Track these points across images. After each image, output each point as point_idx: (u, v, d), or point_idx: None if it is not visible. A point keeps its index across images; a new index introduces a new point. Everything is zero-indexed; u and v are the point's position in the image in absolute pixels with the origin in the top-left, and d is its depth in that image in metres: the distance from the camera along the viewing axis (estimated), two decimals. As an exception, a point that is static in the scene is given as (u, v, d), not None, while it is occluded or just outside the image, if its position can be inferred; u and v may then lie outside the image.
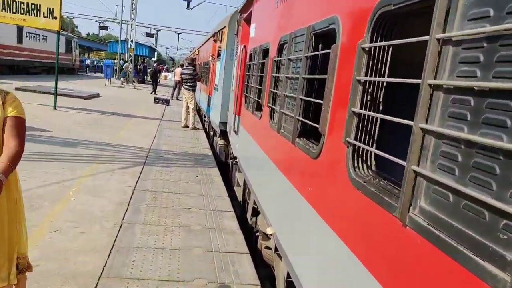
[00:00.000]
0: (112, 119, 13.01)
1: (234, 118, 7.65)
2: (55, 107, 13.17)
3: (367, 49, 1.88)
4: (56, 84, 13.43)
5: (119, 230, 4.54)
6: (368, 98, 1.90)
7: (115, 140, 9.54)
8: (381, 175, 1.87)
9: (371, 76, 1.87)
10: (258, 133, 4.96)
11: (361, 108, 1.91)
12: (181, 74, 13.14)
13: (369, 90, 1.89)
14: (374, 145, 1.90)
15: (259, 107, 5.14)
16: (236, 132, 7.58)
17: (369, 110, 1.89)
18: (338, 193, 2.16)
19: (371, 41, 1.86)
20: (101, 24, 52.68)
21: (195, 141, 11.21)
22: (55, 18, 12.52)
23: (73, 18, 65.30)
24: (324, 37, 2.67)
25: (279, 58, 3.83)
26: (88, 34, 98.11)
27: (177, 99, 23.69)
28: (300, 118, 2.86)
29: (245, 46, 7.30)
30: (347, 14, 2.22)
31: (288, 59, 3.33)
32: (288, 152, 3.18)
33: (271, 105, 4.03)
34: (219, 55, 11.31)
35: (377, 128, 1.89)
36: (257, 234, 4.86)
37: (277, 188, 3.70)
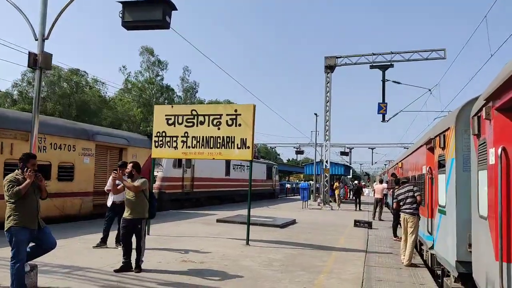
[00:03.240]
0: (309, 255, 10.81)
1: (501, 267, 4.46)
2: (247, 242, 11.95)
3: None
4: (249, 216, 12.41)
5: None
6: None
7: (310, 294, 7.11)
8: None
9: None
10: None
11: None
12: (397, 195, 10.18)
13: None
14: None
15: None
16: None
17: None
18: None
19: None
20: (297, 150, 55.98)
21: (420, 289, 7.80)
22: (248, 147, 12.12)
23: (275, 147, 72.72)
24: None
25: None
26: (288, 160, 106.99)
27: (379, 219, 20.95)
28: None
29: (504, 149, 4.44)
30: None
31: None
32: None
33: None
34: (440, 166, 8.31)
35: None
36: None
37: None
